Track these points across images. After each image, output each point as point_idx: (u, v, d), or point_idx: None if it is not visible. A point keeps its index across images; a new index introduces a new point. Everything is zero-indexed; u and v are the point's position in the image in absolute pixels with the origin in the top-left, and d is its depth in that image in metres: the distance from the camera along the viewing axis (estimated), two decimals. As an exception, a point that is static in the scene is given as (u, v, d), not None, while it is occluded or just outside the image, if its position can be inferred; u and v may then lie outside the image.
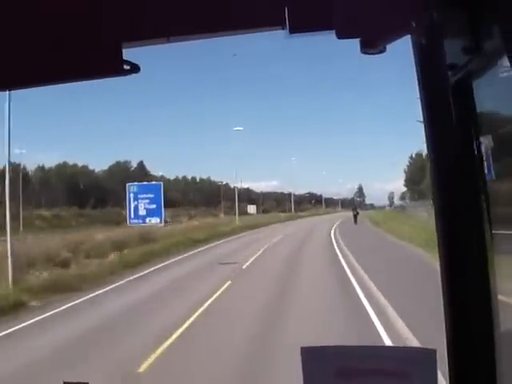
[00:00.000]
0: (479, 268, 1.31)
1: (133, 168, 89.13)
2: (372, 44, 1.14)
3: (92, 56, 1.21)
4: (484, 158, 1.36)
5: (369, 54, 1.15)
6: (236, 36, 1.28)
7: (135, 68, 1.24)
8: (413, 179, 68.39)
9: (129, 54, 1.24)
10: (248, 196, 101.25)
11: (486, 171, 1.36)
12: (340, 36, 1.12)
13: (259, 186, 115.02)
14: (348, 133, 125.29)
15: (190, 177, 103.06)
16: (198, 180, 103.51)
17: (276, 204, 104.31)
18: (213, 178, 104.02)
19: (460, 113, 1.31)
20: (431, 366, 1.16)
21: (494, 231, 1.34)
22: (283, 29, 1.18)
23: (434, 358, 1.17)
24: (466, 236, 1.30)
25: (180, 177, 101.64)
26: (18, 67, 1.24)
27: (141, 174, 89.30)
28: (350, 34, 1.12)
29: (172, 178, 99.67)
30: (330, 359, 1.21)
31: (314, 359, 1.21)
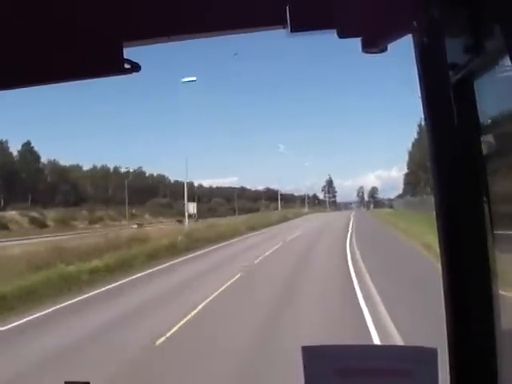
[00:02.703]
0: (480, 267, 1.31)
1: (13, 151, 62.98)
2: (373, 43, 1.14)
3: (93, 55, 1.21)
4: (485, 157, 1.36)
5: (370, 53, 1.15)
6: (237, 35, 1.28)
7: (136, 67, 1.24)
8: (422, 162, 47.24)
9: (129, 52, 1.24)
10: (192, 192, 76.44)
11: (487, 170, 1.36)
12: (341, 35, 1.12)
13: (219, 182, 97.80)
14: (314, 127, 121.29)
15: (112, 167, 78.11)
16: (122, 171, 77.02)
17: (226, 201, 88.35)
18: (146, 169, 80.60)
19: (461, 112, 1.30)
20: (432, 365, 1.16)
21: (495, 230, 1.34)
22: (284, 28, 1.18)
23: (435, 356, 1.17)
24: (468, 235, 1.30)
25: (98, 166, 77.41)
26: (18, 66, 1.24)
27: (27, 160, 63.54)
28: (351, 34, 1.13)
29: (89, 167, 76.46)
30: (331, 358, 1.21)
31: (315, 358, 1.21)
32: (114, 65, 1.22)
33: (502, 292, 1.33)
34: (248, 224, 45.61)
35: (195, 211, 54.08)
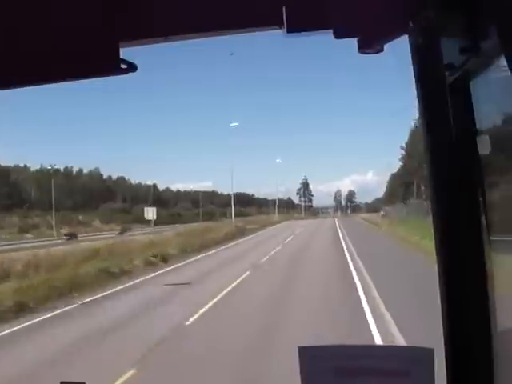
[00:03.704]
0: (477, 269, 1.31)
1: None
2: (369, 44, 1.14)
3: (89, 55, 1.21)
4: (481, 157, 1.37)
5: (366, 53, 1.15)
6: (233, 35, 1.28)
7: (132, 67, 1.24)
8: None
9: (126, 53, 1.24)
10: (157, 196, 71.39)
11: (483, 170, 1.37)
12: (338, 36, 1.12)
13: (192, 186, 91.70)
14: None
15: (62, 168, 69.88)
16: (74, 172, 69.68)
17: (194, 206, 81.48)
18: (104, 171, 72.36)
19: (457, 112, 1.31)
20: (429, 365, 1.16)
21: (491, 231, 1.34)
22: (281, 28, 1.18)
23: (432, 356, 1.17)
24: (464, 237, 1.30)
25: (47, 166, 68.27)
26: (15, 66, 1.24)
27: None
28: (347, 34, 1.13)
29: (37, 167, 67.59)
30: (327, 358, 1.21)
31: (312, 358, 1.21)
32: (111, 65, 1.22)
33: (498, 293, 1.33)
34: (159, 250, 25.84)
35: (155, 217, 46.83)
